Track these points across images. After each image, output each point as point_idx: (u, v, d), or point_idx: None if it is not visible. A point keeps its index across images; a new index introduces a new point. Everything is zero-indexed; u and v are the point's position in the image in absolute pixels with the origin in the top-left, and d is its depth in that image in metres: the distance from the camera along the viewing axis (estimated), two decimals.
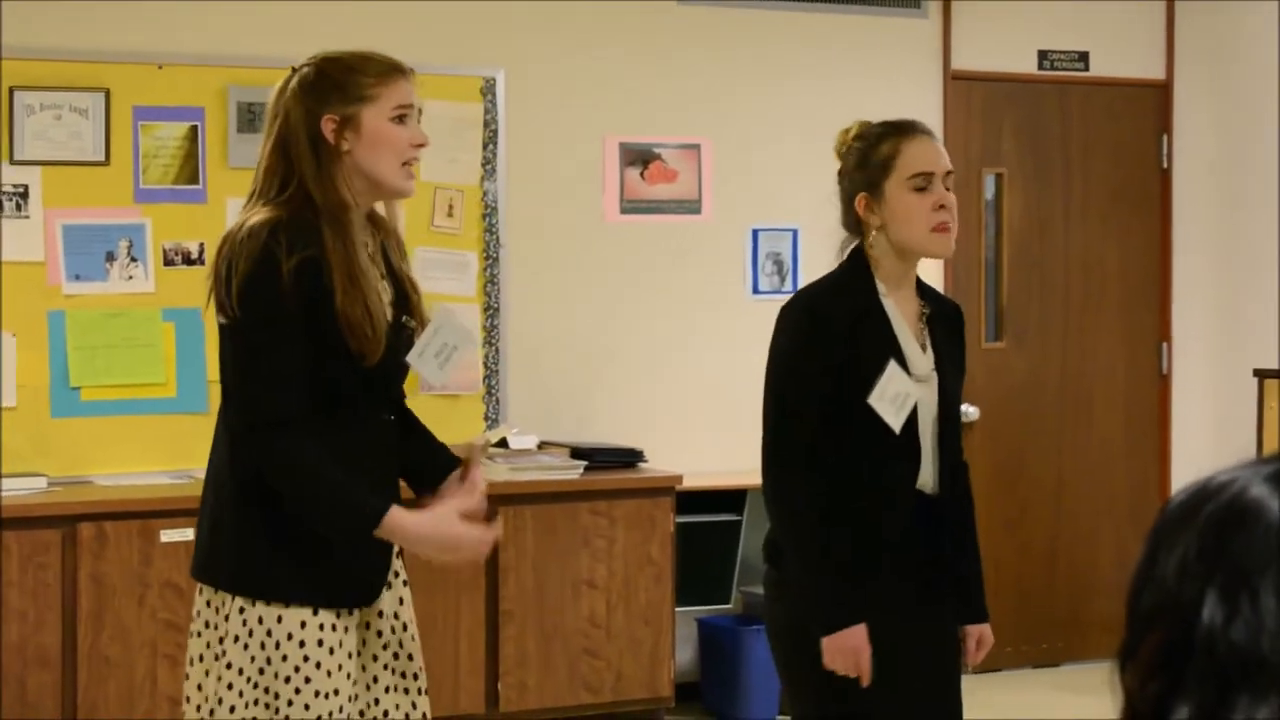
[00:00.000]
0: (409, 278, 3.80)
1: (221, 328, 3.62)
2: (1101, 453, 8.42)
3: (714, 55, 7.69)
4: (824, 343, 4.00)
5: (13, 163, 6.59)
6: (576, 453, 6.98)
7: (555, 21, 7.42)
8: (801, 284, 7.68)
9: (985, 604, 4.27)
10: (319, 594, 3.59)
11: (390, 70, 3.70)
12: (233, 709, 3.55)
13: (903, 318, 4.09)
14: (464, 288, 7.22)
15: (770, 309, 4.19)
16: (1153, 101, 8.47)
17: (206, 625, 3.66)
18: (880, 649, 3.94)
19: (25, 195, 6.60)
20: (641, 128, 7.56)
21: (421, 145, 3.72)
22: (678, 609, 6.99)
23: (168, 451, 6.70)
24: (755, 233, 7.71)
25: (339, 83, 3.66)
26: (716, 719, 7.29)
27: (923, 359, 4.07)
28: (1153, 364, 8.50)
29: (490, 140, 7.27)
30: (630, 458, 7.10)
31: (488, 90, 7.26)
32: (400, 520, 3.56)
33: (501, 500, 6.69)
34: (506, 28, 7.33)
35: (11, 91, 6.58)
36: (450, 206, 7.18)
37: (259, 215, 3.56)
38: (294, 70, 3.72)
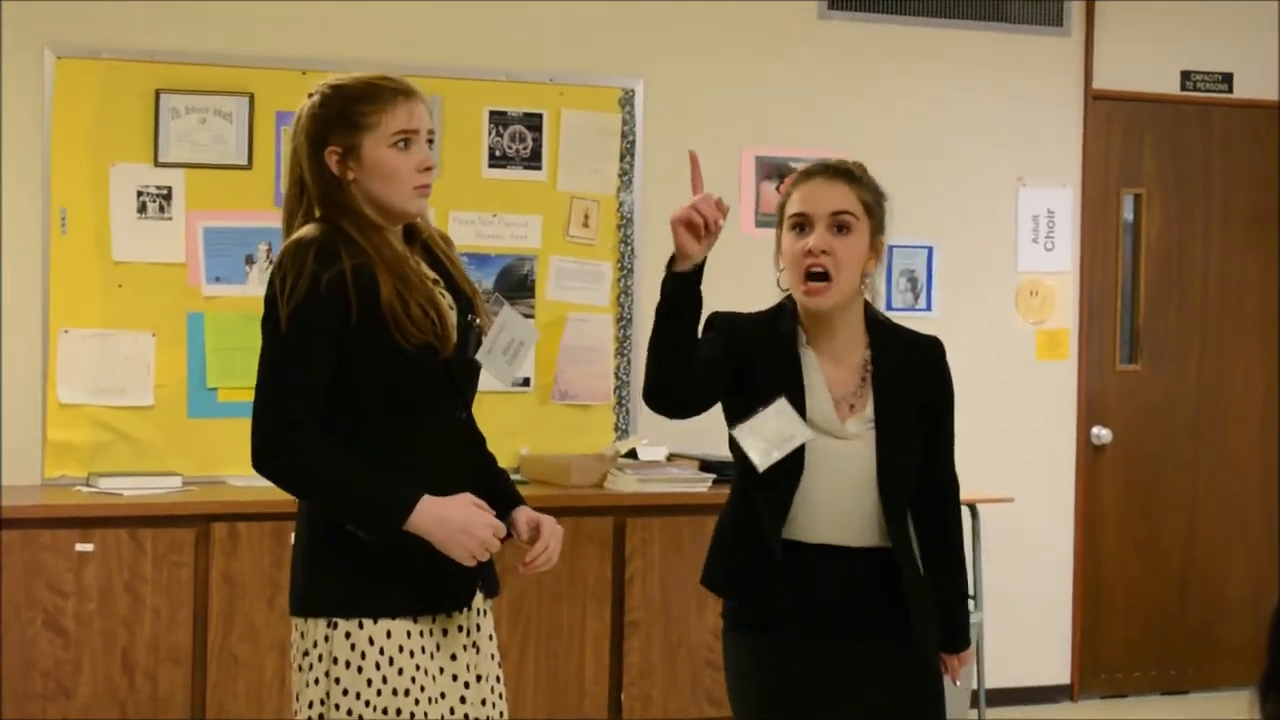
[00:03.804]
0: (465, 277, 3.74)
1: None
2: (1237, 476, 8.32)
3: (852, 70, 7.67)
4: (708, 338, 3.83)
5: (157, 164, 6.68)
6: (705, 465, 6.96)
7: (694, 34, 7.43)
8: (936, 301, 7.70)
9: (960, 633, 3.94)
10: (402, 604, 3.54)
11: (392, 95, 3.57)
12: None
13: (820, 370, 3.84)
14: (597, 298, 7.24)
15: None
16: None
17: (304, 655, 3.65)
18: (782, 679, 3.76)
19: (168, 197, 6.69)
20: (778, 141, 7.55)
21: (428, 169, 3.60)
22: None
23: None
24: (890, 249, 7.59)
25: (340, 113, 3.56)
26: None
27: (831, 416, 3.79)
28: None
29: (628, 151, 7.28)
30: None
31: (626, 101, 7.28)
32: (431, 504, 3.44)
33: (629, 511, 6.71)
34: (646, 39, 7.35)
35: (158, 94, 6.68)
36: (586, 217, 7.20)
37: (299, 233, 3.52)
38: (308, 98, 3.65)
